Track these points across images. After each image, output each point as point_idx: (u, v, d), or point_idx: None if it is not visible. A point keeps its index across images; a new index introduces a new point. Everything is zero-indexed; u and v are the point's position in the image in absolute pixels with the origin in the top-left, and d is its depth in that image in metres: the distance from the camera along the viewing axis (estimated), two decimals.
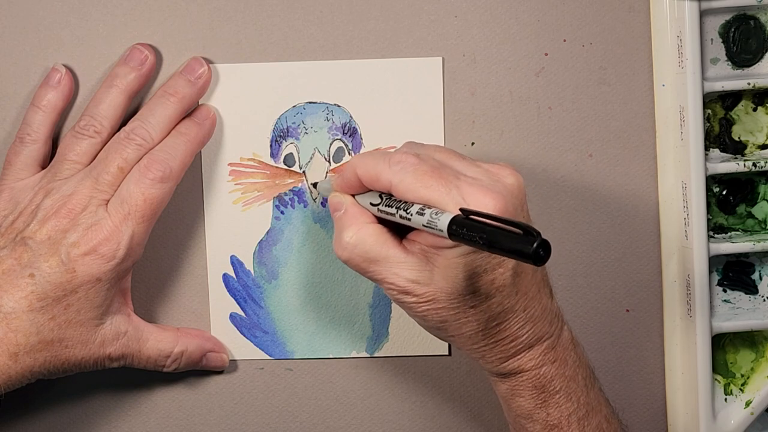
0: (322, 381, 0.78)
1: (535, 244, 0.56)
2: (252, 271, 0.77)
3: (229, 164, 0.76)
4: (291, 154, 0.76)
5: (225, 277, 0.77)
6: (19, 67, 0.75)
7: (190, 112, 0.74)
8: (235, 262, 0.77)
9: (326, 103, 0.76)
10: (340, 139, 0.76)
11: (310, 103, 0.76)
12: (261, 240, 0.76)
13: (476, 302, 0.65)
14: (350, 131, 0.76)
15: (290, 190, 0.76)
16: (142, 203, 0.69)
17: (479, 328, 0.66)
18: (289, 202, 0.76)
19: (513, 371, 0.67)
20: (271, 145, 0.76)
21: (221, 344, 0.77)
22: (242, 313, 0.77)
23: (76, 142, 0.72)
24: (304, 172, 0.76)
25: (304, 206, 0.76)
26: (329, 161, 0.76)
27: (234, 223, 0.76)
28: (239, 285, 0.77)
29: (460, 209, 0.60)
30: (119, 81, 0.72)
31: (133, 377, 0.77)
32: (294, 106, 0.76)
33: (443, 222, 0.60)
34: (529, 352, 0.67)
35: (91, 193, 0.69)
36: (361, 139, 0.76)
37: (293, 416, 0.78)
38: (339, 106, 0.76)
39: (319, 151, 0.76)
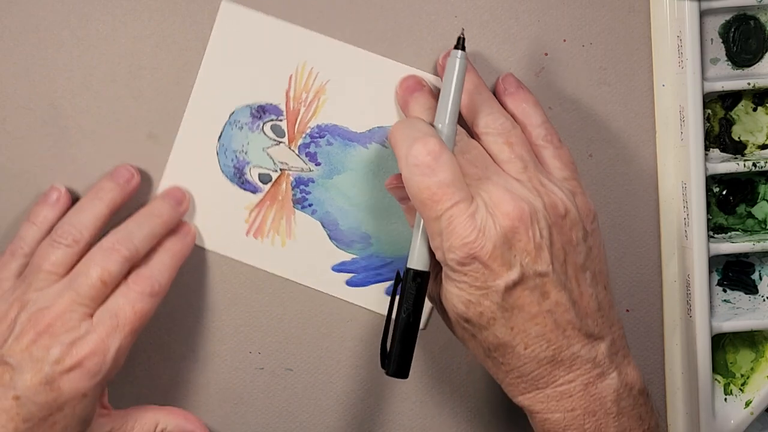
0: (322, 381, 0.78)
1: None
2: None
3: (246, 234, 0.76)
4: (259, 174, 0.75)
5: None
6: (19, 67, 0.74)
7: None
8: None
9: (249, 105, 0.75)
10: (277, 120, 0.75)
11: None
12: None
13: (475, 331, 0.66)
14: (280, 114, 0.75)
15: (297, 189, 0.75)
16: (131, 316, 0.68)
17: (485, 355, 0.67)
18: (309, 182, 0.75)
19: (524, 408, 0.67)
20: (246, 190, 0.75)
21: (202, 425, 0.74)
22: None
23: (51, 251, 0.69)
24: (282, 168, 0.75)
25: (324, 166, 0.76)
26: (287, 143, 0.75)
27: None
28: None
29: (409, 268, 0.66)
30: (104, 194, 0.72)
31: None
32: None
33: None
34: (540, 393, 0.66)
35: (71, 306, 0.67)
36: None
37: (293, 417, 0.78)
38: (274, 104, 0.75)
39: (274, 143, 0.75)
